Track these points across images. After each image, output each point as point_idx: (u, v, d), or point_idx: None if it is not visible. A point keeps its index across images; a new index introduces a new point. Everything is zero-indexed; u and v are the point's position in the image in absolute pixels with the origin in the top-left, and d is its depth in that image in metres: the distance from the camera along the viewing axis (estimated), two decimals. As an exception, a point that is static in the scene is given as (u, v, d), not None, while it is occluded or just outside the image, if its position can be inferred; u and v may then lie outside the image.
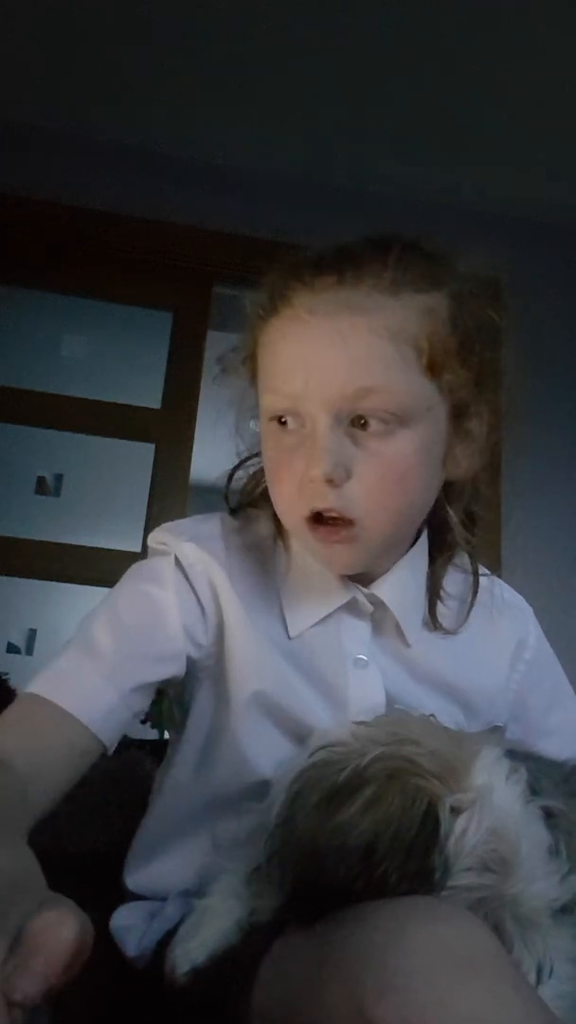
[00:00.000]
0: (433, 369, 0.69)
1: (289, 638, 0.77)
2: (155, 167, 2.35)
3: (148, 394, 2.34)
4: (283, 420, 0.71)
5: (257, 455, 0.82)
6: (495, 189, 2.39)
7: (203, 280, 2.38)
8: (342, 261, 0.70)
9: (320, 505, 0.68)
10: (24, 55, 2.10)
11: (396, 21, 1.91)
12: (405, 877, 0.52)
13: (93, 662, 0.71)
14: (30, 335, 2.42)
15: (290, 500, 0.71)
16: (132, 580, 0.78)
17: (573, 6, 1.83)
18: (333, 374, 0.67)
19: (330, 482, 0.67)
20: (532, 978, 0.51)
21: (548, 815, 0.54)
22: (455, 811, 0.53)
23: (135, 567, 0.80)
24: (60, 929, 0.32)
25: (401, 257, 0.70)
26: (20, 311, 2.42)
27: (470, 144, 2.25)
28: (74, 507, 2.64)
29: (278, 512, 0.75)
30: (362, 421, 0.68)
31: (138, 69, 2.11)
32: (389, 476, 0.68)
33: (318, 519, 0.70)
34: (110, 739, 0.70)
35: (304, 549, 0.77)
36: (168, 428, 2.31)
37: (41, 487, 2.69)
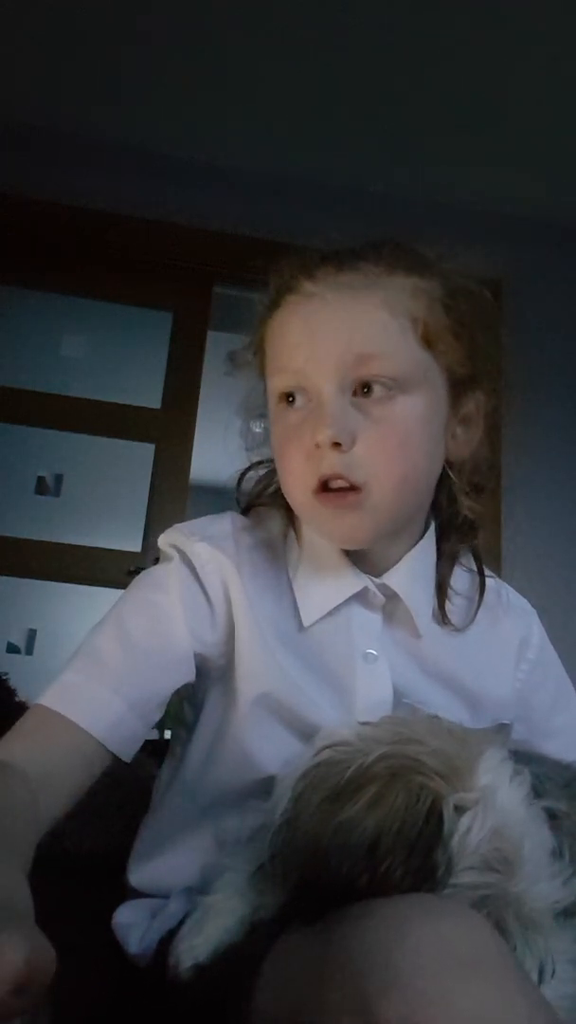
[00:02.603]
0: (428, 340, 0.74)
1: (301, 628, 0.77)
2: (155, 167, 2.36)
3: (148, 394, 2.34)
4: (290, 399, 0.75)
5: (268, 460, 0.84)
6: (495, 189, 2.39)
7: (203, 280, 2.38)
8: (341, 254, 0.76)
9: (327, 470, 0.71)
10: (24, 55, 2.10)
11: (396, 21, 1.91)
12: (408, 874, 0.52)
13: (100, 673, 0.72)
14: (30, 335, 2.42)
15: (298, 472, 0.73)
16: (136, 589, 0.79)
17: (573, 6, 1.83)
18: (335, 344, 0.72)
19: (336, 445, 0.70)
20: (534, 978, 0.51)
21: (552, 817, 0.54)
22: (459, 810, 0.53)
23: (139, 576, 0.81)
24: (6, 952, 0.33)
25: (395, 250, 0.76)
26: (20, 311, 2.42)
27: (470, 144, 2.26)
28: (74, 507, 2.64)
29: (287, 491, 0.77)
30: (365, 388, 0.72)
31: (138, 69, 2.11)
32: (392, 440, 0.72)
33: (325, 489, 0.72)
34: (120, 749, 0.71)
35: (314, 529, 0.78)
36: (168, 428, 2.31)
37: (41, 487, 2.69)
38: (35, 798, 0.62)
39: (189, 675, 0.76)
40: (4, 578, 2.31)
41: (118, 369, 2.49)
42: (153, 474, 2.28)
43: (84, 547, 2.24)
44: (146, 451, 2.30)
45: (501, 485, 2.18)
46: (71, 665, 0.73)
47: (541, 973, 0.52)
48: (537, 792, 0.55)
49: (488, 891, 0.53)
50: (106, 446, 2.36)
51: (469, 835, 0.53)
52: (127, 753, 0.72)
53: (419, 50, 1.99)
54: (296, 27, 1.95)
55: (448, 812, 0.53)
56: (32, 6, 1.94)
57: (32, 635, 3.38)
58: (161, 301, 2.42)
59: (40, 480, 2.70)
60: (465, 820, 0.53)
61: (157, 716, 0.75)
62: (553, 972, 0.52)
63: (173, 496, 2.26)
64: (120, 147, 2.35)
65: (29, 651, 3.37)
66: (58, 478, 2.75)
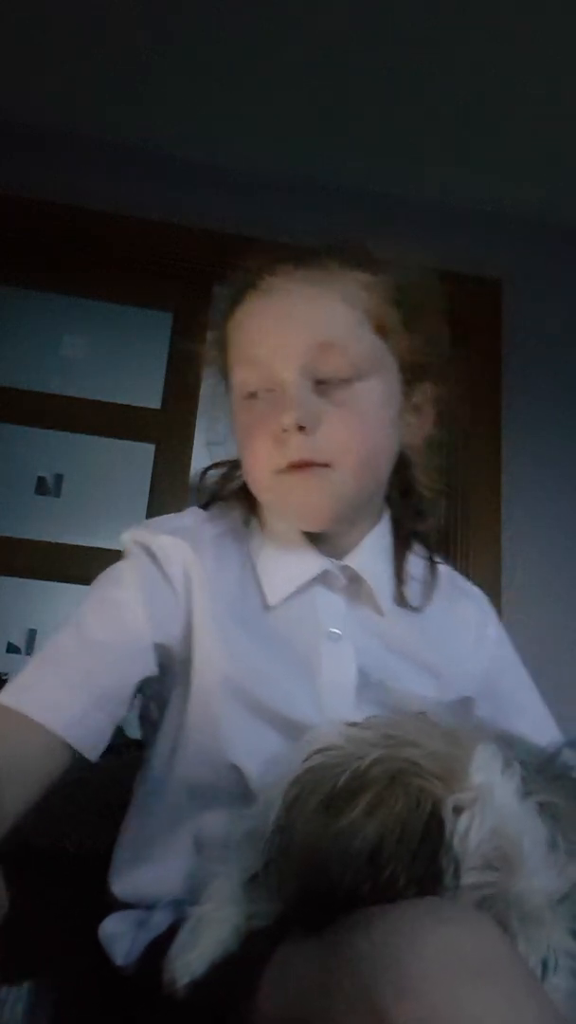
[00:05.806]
0: (382, 331, 0.80)
1: (266, 608, 0.79)
2: (155, 167, 2.35)
3: (148, 394, 2.33)
4: (254, 394, 0.79)
5: (229, 461, 0.88)
6: (495, 189, 2.38)
7: (203, 280, 2.37)
8: (299, 252, 0.82)
9: (294, 456, 0.75)
10: (24, 55, 2.09)
11: (397, 21, 1.90)
12: (413, 879, 0.51)
13: (57, 670, 0.72)
14: (30, 335, 2.41)
15: (264, 456, 0.77)
16: (96, 587, 0.80)
17: (573, 7, 1.82)
18: (296, 333, 0.77)
19: (302, 429, 0.74)
20: (537, 974, 0.51)
21: (539, 805, 0.54)
22: (456, 811, 0.53)
23: (101, 574, 0.82)
24: None
25: (349, 248, 0.83)
26: (20, 311, 2.42)
27: (470, 144, 2.25)
28: (74, 507, 2.64)
29: (251, 475, 0.80)
30: (324, 382, 0.76)
31: (138, 69, 2.11)
32: (354, 421, 0.76)
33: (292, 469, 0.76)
34: (84, 745, 0.71)
35: (277, 512, 0.82)
36: (168, 428, 2.31)
37: (41, 487, 2.69)
38: None
39: (150, 667, 0.76)
40: (4, 578, 2.31)
41: (118, 369, 2.49)
42: (153, 474, 2.28)
43: (84, 547, 2.23)
44: (146, 451, 2.30)
45: (501, 485, 2.18)
46: (29, 664, 0.73)
47: (544, 968, 0.52)
48: (524, 780, 0.55)
49: (490, 891, 0.52)
50: (106, 446, 2.36)
51: (469, 836, 0.53)
52: (92, 750, 0.71)
53: (419, 50, 1.98)
54: (297, 27, 1.94)
55: (448, 815, 0.53)
56: (32, 6, 1.94)
57: (32, 635, 3.38)
58: (161, 301, 2.41)
59: (40, 480, 2.70)
60: (463, 821, 0.53)
61: (123, 712, 0.75)
62: (556, 966, 0.52)
63: (173, 496, 2.26)
64: (120, 147, 2.34)
65: (29, 651, 3.36)
66: (58, 478, 2.74)
